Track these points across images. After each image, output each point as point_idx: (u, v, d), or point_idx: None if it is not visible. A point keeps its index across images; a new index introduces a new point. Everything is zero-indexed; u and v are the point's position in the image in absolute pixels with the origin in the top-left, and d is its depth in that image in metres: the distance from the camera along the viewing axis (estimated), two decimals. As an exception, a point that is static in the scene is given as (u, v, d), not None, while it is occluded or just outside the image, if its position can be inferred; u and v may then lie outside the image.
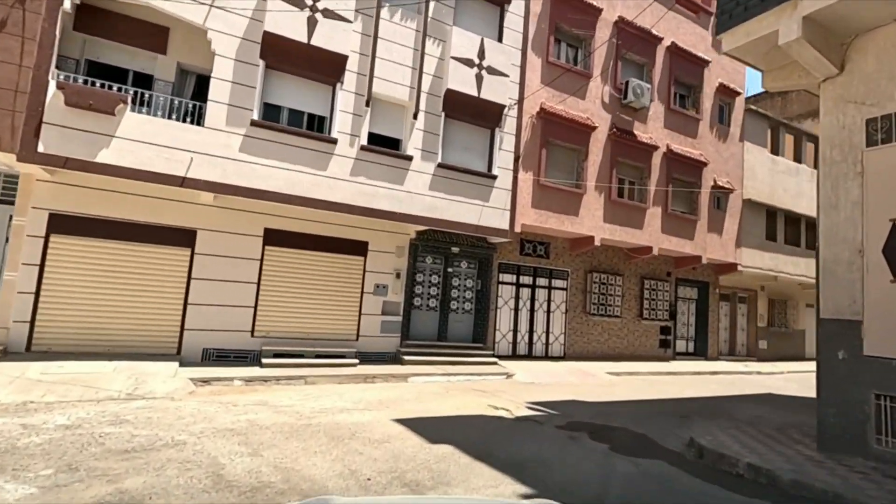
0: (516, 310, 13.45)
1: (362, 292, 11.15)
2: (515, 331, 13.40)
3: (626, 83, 13.90)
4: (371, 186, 10.36)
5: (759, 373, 15.28)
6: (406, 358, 10.99)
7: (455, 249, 12.28)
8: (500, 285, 13.26)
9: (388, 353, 11.31)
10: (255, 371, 9.07)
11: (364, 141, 10.38)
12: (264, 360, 9.58)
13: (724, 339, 18.03)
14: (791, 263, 18.02)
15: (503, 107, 11.89)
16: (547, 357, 13.78)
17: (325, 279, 10.81)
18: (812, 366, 18.08)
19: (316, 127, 10.28)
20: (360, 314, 11.10)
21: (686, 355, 16.84)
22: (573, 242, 14.18)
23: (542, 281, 13.90)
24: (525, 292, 13.62)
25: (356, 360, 10.38)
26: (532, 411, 7.95)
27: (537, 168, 12.66)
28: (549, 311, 13.92)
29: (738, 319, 18.26)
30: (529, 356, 13.53)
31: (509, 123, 12.17)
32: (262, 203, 9.73)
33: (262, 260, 10.23)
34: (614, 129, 13.86)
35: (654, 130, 14.85)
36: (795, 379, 14.68)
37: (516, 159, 12.31)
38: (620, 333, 15.15)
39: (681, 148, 15.15)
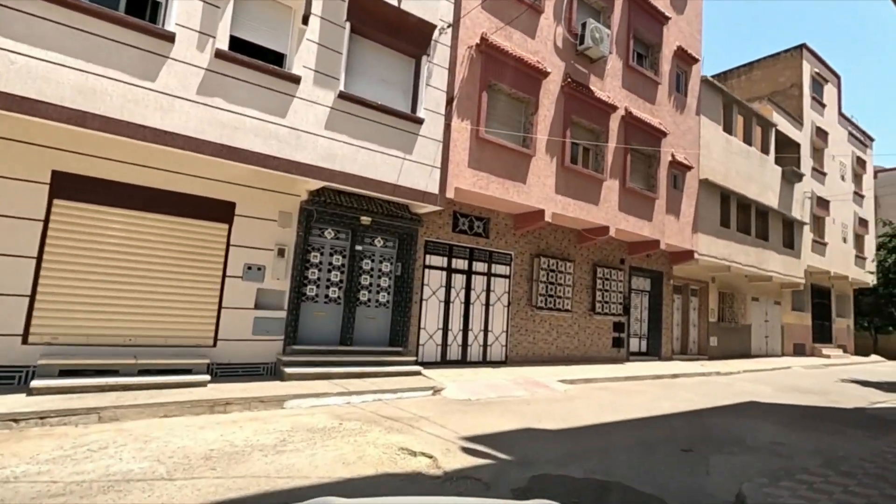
0: (447, 302, 10.45)
1: (224, 275, 7.59)
2: (446, 330, 10.39)
3: (584, 25, 11.38)
4: (234, 114, 6.87)
5: (717, 373, 13.43)
6: (289, 371, 7.58)
7: (366, 220, 9.03)
8: (426, 271, 10.19)
9: (264, 364, 7.84)
10: (16, 401, 5.29)
11: (223, 45, 6.87)
12: (37, 384, 5.79)
13: (677, 336, 16.23)
14: (743, 253, 16.61)
15: (433, 28, 8.84)
16: (485, 362, 10.90)
17: (163, 255, 7.13)
18: (762, 363, 16.85)
19: (145, 15, 6.62)
20: (219, 308, 7.52)
21: (639, 355, 14.75)
22: (518, 219, 11.44)
23: (479, 266, 11.01)
24: (459, 280, 10.66)
25: (207, 377, 6.82)
26: (471, 457, 4.93)
27: (476, 116, 9.74)
28: (488, 305, 11.07)
29: (690, 314, 16.56)
30: (463, 362, 10.57)
31: (441, 53, 9.14)
32: (43, 127, 5.95)
33: (46, 222, 6.39)
34: (569, 80, 11.28)
35: (611, 89, 12.50)
36: (759, 380, 12.95)
37: (449, 101, 9.30)
38: (571, 331, 12.65)
39: (640, 113, 12.95)
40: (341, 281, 9.05)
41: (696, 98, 15.25)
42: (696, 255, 14.78)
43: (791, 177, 18.99)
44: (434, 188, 9.02)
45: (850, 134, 23.97)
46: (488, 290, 11.07)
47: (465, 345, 10.62)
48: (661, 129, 13.39)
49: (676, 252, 15.07)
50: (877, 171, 27.71)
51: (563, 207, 11.19)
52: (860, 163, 24.72)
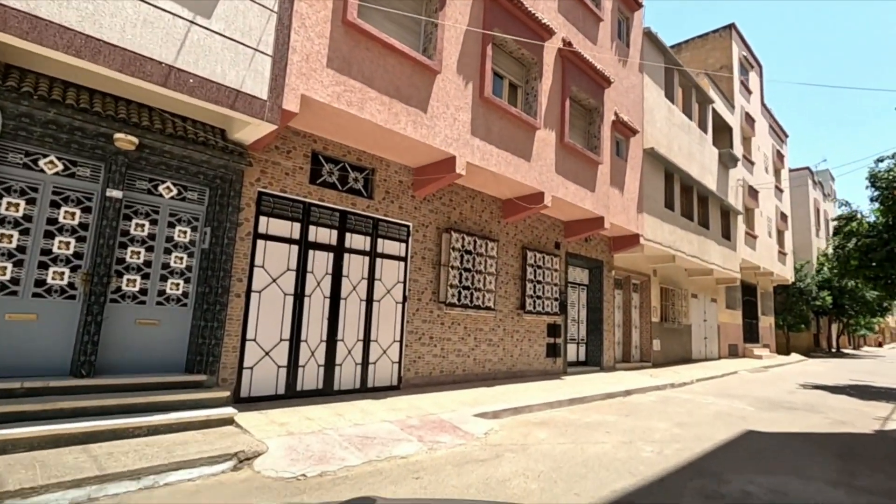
0: (298, 297, 6.47)
1: None
2: (296, 342, 6.40)
3: None
4: None
5: (672, 385, 10.67)
6: None
7: (127, 141, 4.87)
8: (260, 243, 6.17)
9: None
10: None
11: None
12: None
13: (618, 339, 13.45)
14: (687, 241, 14.30)
15: None
16: (364, 390, 7.05)
17: None
18: (709, 369, 14.63)
19: None
20: None
21: (578, 365, 11.68)
22: (420, 173, 7.80)
23: (358, 241, 7.18)
24: (320, 261, 6.73)
25: None
26: None
27: (343, -13, 5.96)
28: (370, 300, 7.24)
29: (632, 313, 13.89)
30: (326, 393, 6.63)
31: None
32: None
33: None
34: (490, -24, 7.90)
35: (546, 10, 9.34)
36: (721, 392, 10.32)
37: (290, -55, 5.44)
38: (494, 337, 9.19)
39: (581, 50, 9.93)
40: (79, 255, 4.79)
41: (639, 52, 12.66)
42: (641, 241, 12.07)
43: (727, 160, 17.29)
44: (259, 89, 5.09)
45: (770, 127, 23.35)
46: (371, 279, 7.25)
47: (329, 365, 6.68)
48: (604, 76, 10.47)
49: (619, 237, 12.28)
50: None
51: (484, 157, 7.72)
52: (779, 157, 24.25)
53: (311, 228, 6.60)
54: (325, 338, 6.62)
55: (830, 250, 12.72)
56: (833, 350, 31.52)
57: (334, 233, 6.85)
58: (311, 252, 6.58)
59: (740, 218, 18.62)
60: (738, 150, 18.53)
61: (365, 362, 7.03)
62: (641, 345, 14.09)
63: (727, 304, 19.38)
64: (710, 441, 5.89)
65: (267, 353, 6.05)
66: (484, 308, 8.81)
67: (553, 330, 10.56)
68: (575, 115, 10.25)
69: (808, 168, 30.05)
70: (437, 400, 6.90)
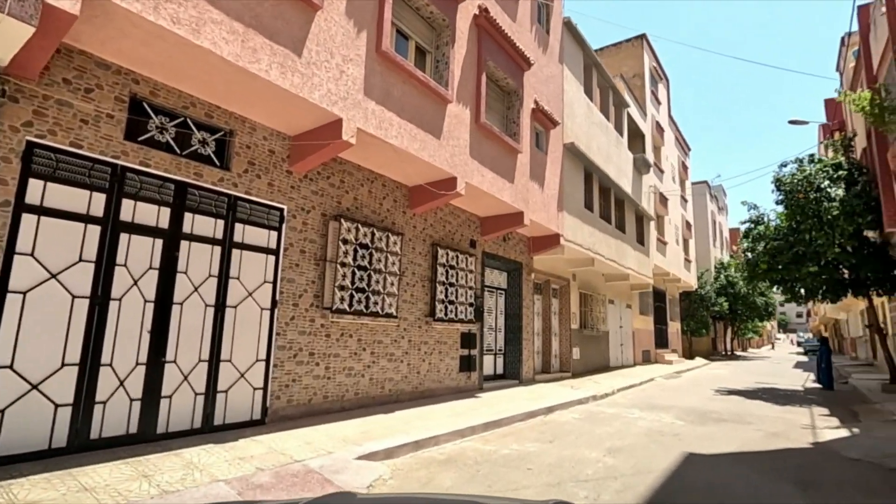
0: (100, 302, 4.47)
1: None
2: (92, 368, 4.38)
3: None
4: None
5: (594, 398, 9.77)
6: None
7: None
8: (26, 219, 4.12)
9: None
10: None
11: None
12: None
13: (538, 348, 12.47)
14: (605, 244, 13.78)
15: None
16: (209, 430, 5.13)
17: None
18: (627, 377, 14.00)
19: None
20: None
21: (495, 379, 10.45)
22: (299, 141, 6.08)
23: (203, 225, 5.28)
24: (140, 251, 4.77)
25: None
26: None
27: None
28: (223, 306, 5.35)
29: (552, 320, 13.01)
30: (144, 439, 4.65)
31: None
32: None
33: None
34: None
35: (459, -31, 8.10)
36: (643, 403, 9.57)
37: None
38: (396, 351, 7.61)
39: (500, 23, 8.80)
40: None
41: (559, 41, 11.92)
42: (562, 241, 11.19)
43: (641, 165, 17.30)
44: (-3, -36, 3.16)
45: (676, 138, 24.31)
46: (224, 276, 5.38)
47: (151, 398, 4.71)
48: (524, 56, 9.45)
49: (539, 237, 11.32)
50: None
51: (382, 126, 6.20)
52: (683, 168, 25.33)
53: (127, 203, 4.64)
54: (144, 359, 4.65)
55: (741, 254, 12.67)
56: (728, 353, 33.67)
57: (166, 211, 4.92)
58: (123, 237, 4.61)
59: (652, 224, 18.79)
60: (650, 156, 18.73)
61: (210, 391, 5.12)
62: (561, 354, 13.24)
63: (641, 310, 19.44)
64: (652, 473, 4.75)
65: (35, 387, 3.98)
66: (384, 315, 7.23)
67: (468, 340, 9.22)
68: (493, 96, 9.09)
69: (706, 182, 32.04)
70: (312, 438, 5.18)
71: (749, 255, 12.67)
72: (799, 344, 62.55)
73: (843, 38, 15.10)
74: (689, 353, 27.19)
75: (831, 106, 19.72)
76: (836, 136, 13.46)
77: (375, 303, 7.13)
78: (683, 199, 24.66)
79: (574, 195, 12.16)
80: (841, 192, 11.00)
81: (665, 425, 7.29)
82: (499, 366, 10.78)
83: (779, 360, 30.06)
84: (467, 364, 9.13)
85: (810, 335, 72.19)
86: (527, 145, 9.74)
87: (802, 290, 11.96)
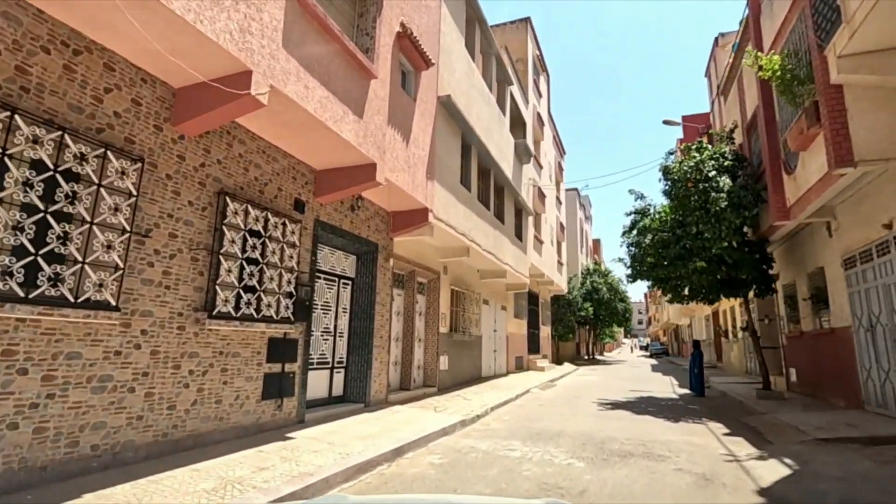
0: None
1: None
2: None
3: None
4: None
5: (462, 423, 7.26)
6: None
7: None
8: None
9: None
10: None
11: None
12: None
13: (395, 358, 9.67)
14: (483, 232, 11.59)
15: None
16: None
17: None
18: (500, 390, 10.52)
19: None
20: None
21: (330, 404, 7.37)
22: None
23: None
24: None
25: None
26: None
27: None
28: None
29: (416, 322, 10.34)
30: None
31: None
32: None
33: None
34: None
35: None
36: (526, 428, 7.31)
37: None
38: (117, 373, 4.17)
39: None
40: None
41: (438, -33, 9.43)
42: (432, 219, 8.60)
43: (523, 153, 15.70)
44: None
45: (554, 137, 23.72)
46: None
47: None
48: (386, -55, 6.67)
49: (403, 212, 8.61)
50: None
51: None
52: (559, 169, 24.91)
53: None
54: None
55: (626, 248, 11.34)
56: (590, 357, 34.67)
57: None
58: None
59: (531, 220, 17.37)
60: (531, 146, 17.32)
61: None
62: (426, 364, 10.63)
63: (516, 313, 17.87)
64: None
65: None
66: (83, 305, 3.79)
67: (281, 349, 6.03)
68: (336, -13, 6.14)
69: (576, 189, 32.67)
70: None
71: (634, 249, 11.40)
72: (643, 348, 69.52)
73: (716, 39, 15.10)
74: (557, 359, 26.84)
75: (690, 127, 20.43)
76: (705, 139, 13.08)
77: (67, 281, 3.68)
78: (558, 201, 24.16)
79: (449, 165, 9.70)
80: (728, 182, 10.11)
81: (560, 471, 4.93)
82: (337, 385, 7.74)
83: (633, 363, 31.47)
84: (277, 386, 5.94)
85: (649, 339, 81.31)
86: (386, 73, 6.94)
87: (687, 290, 11.00)
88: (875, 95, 6.34)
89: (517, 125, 16.63)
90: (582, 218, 34.92)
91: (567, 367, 22.78)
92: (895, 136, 6.24)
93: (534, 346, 20.52)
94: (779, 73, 7.38)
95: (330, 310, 7.62)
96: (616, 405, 10.18)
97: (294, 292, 6.16)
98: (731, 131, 11.29)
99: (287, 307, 6.03)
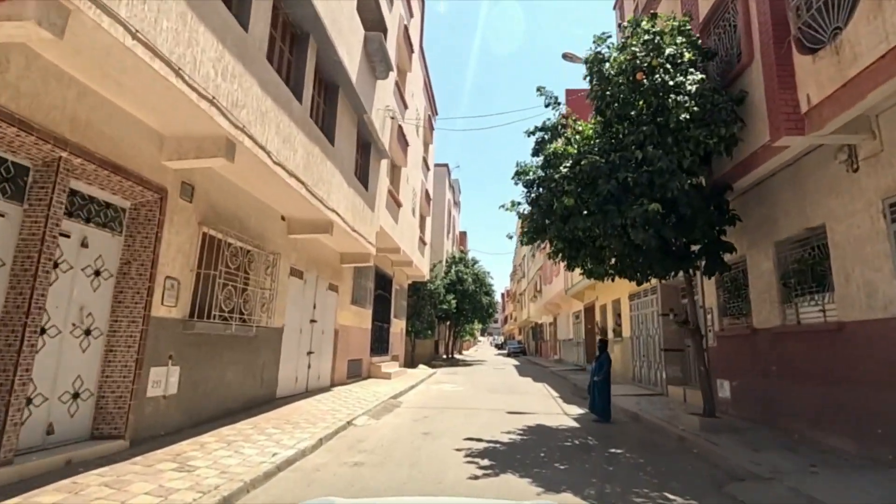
0: None
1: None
2: None
3: None
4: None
5: None
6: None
7: None
8: None
9: None
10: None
11: None
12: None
13: (43, 389, 3.67)
14: (281, 134, 6.11)
15: None
16: None
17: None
18: (296, 432, 6.31)
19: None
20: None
21: None
22: None
23: None
24: None
25: None
26: None
27: None
28: None
29: (78, 289, 4.42)
30: None
31: None
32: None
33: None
34: None
35: None
36: None
37: None
38: None
39: None
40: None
41: None
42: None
43: (377, 58, 10.52)
44: None
45: (426, 84, 19.00)
46: None
47: None
48: None
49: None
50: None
51: None
52: (430, 127, 20.32)
53: None
54: None
55: (523, 189, 6.85)
56: (449, 356, 30.94)
57: None
58: None
59: (385, 165, 12.28)
60: (392, 58, 12.16)
61: None
62: (107, 387, 4.76)
63: (354, 298, 12.58)
64: None
65: None
66: None
67: None
68: None
69: (446, 165, 28.63)
70: None
71: (537, 189, 6.94)
72: (499, 346, 69.44)
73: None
74: (411, 360, 22.20)
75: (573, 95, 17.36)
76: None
77: None
78: (426, 165, 19.54)
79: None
80: (697, 79, 6.15)
81: None
82: None
83: (495, 364, 28.39)
84: None
85: (503, 338, 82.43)
86: None
87: (616, 260, 6.88)
88: None
89: (376, 28, 11.37)
90: (451, 200, 31.09)
91: (422, 370, 18.21)
92: None
93: (381, 346, 15.46)
94: None
95: None
96: (495, 453, 5.53)
97: None
98: (684, 24, 7.40)
99: None
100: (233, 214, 6.61)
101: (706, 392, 7.10)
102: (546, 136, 7.03)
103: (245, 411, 6.91)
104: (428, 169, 20.16)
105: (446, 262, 27.78)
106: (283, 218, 8.13)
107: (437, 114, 22.14)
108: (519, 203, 7.28)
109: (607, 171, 6.17)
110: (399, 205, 14.03)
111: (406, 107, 14.83)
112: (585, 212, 6.40)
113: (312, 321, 9.68)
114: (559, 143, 6.93)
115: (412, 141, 15.78)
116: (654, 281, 12.13)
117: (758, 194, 7.20)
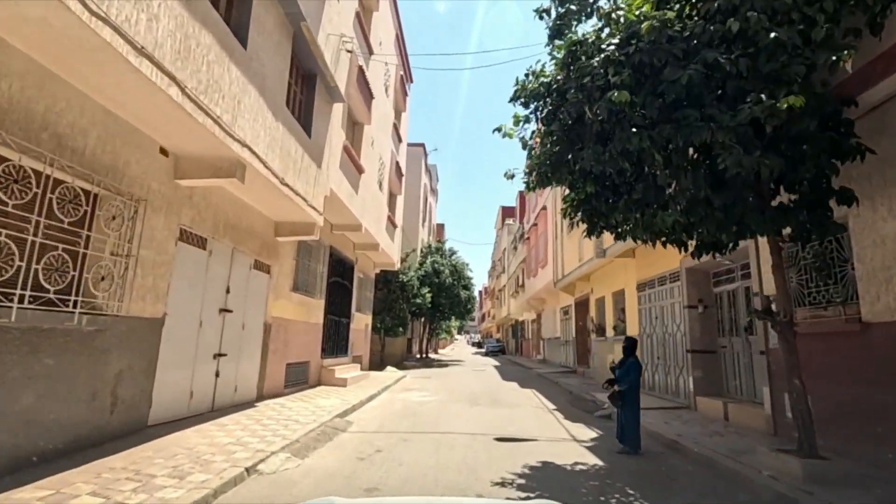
0: None
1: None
2: None
3: None
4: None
5: None
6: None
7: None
8: None
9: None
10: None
11: None
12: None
13: None
14: (167, 29, 3.33)
15: None
16: None
17: None
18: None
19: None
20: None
21: None
22: None
23: None
24: None
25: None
26: None
27: None
28: None
29: None
30: None
31: None
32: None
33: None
34: None
35: None
36: None
37: None
38: None
39: None
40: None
41: None
42: None
43: (324, -45, 7.75)
44: None
45: (398, 37, 16.24)
46: None
47: None
48: None
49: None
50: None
51: None
52: (402, 90, 17.59)
53: None
54: None
55: (520, 112, 4.23)
56: (423, 356, 28.30)
57: None
58: None
59: (340, 112, 9.54)
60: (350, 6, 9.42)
61: None
62: None
63: (297, 284, 9.80)
64: None
65: None
66: None
67: None
68: None
69: (422, 145, 25.92)
70: None
71: (552, 98, 4.35)
72: (476, 345, 66.95)
73: None
74: (381, 361, 19.43)
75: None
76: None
77: None
78: (397, 134, 16.79)
79: None
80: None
81: None
82: None
83: (474, 364, 25.87)
84: None
85: (480, 336, 79.98)
86: None
87: (684, 211, 4.38)
88: None
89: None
90: (427, 185, 28.42)
91: (390, 373, 15.52)
92: None
93: (337, 345, 12.69)
94: None
95: None
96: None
97: None
98: None
99: None
100: (52, 125, 3.80)
101: (804, 420, 4.65)
102: (573, 7, 4.45)
103: (67, 455, 4.13)
104: (400, 140, 17.43)
105: (421, 251, 25.14)
106: (163, 152, 5.34)
107: (411, 81, 19.40)
108: (526, 119, 4.67)
109: (681, 52, 3.63)
110: (360, 170, 11.29)
111: (371, 52, 12.09)
112: (655, 116, 3.84)
113: (224, 310, 6.88)
114: (589, 29, 4.37)
115: (379, 95, 13.05)
116: (674, 263, 9.80)
117: (881, 118, 4.78)
